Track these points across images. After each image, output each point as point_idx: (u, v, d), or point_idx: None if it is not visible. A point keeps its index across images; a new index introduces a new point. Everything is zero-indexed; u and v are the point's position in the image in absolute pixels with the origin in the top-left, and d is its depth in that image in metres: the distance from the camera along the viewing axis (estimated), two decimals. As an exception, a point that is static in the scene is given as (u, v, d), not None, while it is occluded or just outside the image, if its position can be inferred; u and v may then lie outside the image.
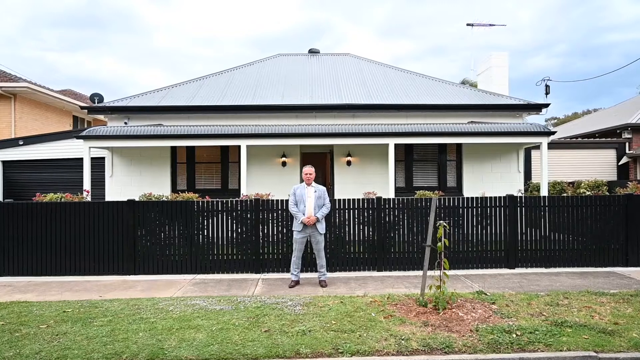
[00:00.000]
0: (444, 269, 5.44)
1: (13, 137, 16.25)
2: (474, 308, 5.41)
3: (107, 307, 5.77)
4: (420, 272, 7.83)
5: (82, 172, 11.14)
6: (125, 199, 8.21)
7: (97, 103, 16.38)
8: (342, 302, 5.85)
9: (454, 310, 5.31)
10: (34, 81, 19.70)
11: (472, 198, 8.32)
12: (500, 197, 8.29)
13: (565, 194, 9.55)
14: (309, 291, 6.69)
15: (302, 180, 7.26)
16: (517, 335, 4.63)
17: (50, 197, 8.48)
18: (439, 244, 5.47)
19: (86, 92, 26.19)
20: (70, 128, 21.58)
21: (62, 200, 8.45)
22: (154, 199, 8.88)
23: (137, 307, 5.70)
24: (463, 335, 4.64)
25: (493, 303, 5.70)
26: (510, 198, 8.24)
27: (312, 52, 17.66)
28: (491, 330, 4.75)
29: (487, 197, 8.30)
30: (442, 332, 4.74)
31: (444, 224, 5.46)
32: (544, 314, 5.35)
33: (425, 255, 5.66)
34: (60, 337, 4.72)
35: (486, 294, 6.14)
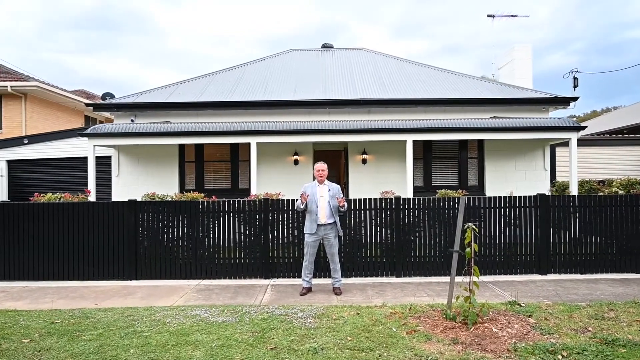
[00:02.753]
0: (474, 277, 4.81)
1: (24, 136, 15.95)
2: (509, 322, 4.76)
3: (100, 317, 5.25)
4: (443, 278, 7.19)
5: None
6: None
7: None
8: (358, 313, 5.25)
9: (486, 324, 4.67)
10: (46, 81, 19.51)
11: (499, 197, 7.64)
12: (530, 197, 7.60)
13: (600, 193, 8.80)
14: (322, 300, 6.11)
15: (314, 179, 6.68)
16: (563, 356, 3.97)
17: (48, 197, 8.03)
18: (468, 249, 4.84)
19: (100, 93, 25.98)
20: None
21: (61, 200, 7.99)
22: (157, 199, 8.38)
23: (132, 318, 5.17)
24: (499, 356, 4.00)
25: (529, 316, 5.04)
26: (542, 197, 7.54)
27: (326, 47, 17.07)
28: (532, 349, 4.10)
29: (515, 197, 7.62)
30: (475, 351, 4.11)
31: (473, 226, 4.82)
32: (590, 329, 4.68)
33: (452, 261, 5.03)
34: (42, 353, 4.21)
35: (520, 305, 5.48)
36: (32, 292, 6.78)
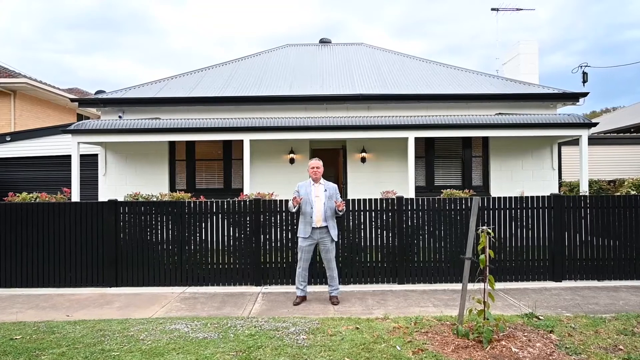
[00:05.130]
0: (489, 287, 4.24)
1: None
2: (529, 340, 4.18)
3: (67, 332, 4.66)
4: (450, 286, 6.63)
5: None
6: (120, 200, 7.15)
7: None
8: (357, 327, 4.67)
9: (503, 342, 4.10)
10: (38, 78, 18.90)
11: (509, 198, 7.08)
12: (543, 197, 7.03)
13: (617, 194, 8.24)
14: (317, 310, 5.53)
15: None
16: (596, 383, 3.41)
17: (23, 196, 7.45)
18: (482, 256, 4.27)
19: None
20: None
21: (37, 200, 7.41)
22: (141, 199, 7.80)
23: (102, 334, 4.58)
24: (522, 382, 3.44)
25: (551, 331, 4.47)
26: (556, 198, 6.97)
27: (323, 42, 16.50)
28: (559, 374, 3.54)
29: (527, 197, 7.05)
30: (493, 376, 3.54)
31: (489, 230, 4.25)
32: (621, 347, 4.11)
33: (464, 270, 4.45)
34: (-9, 378, 3.63)
35: (539, 318, 4.91)
36: (0, 301, 6.18)
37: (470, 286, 4.53)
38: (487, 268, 4.25)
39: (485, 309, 4.21)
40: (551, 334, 4.39)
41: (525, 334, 4.34)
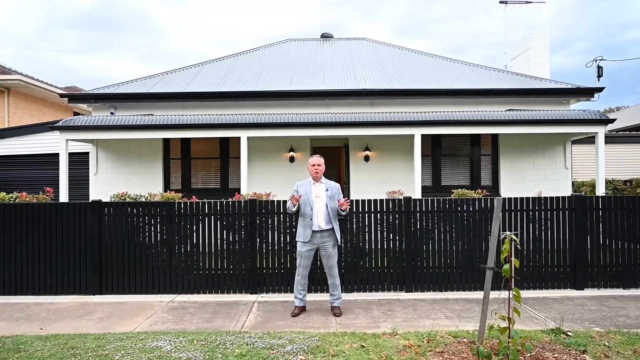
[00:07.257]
0: (515, 301, 3.69)
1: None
2: (562, 363, 3.63)
3: (34, 350, 4.13)
4: (462, 294, 6.07)
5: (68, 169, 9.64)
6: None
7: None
8: (362, 345, 4.13)
9: (531, 366, 3.55)
10: (35, 76, 18.42)
11: (525, 199, 6.52)
12: (563, 198, 6.48)
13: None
14: (318, 323, 4.99)
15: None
16: (648, 419, 2.86)
17: (1, 197, 6.92)
18: (506, 265, 3.72)
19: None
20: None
21: (17, 200, 6.89)
22: (129, 200, 7.27)
23: (73, 352, 4.04)
24: (560, 418, 2.89)
25: (584, 351, 3.92)
26: (578, 198, 6.42)
27: (325, 36, 15.95)
28: (602, 407, 2.99)
29: (545, 198, 6.50)
30: (524, 409, 3.00)
31: (513, 236, 3.70)
32: (667, 371, 3.57)
33: (485, 282, 3.89)
34: None
35: (567, 334, 4.36)
36: (-29, 311, 5.67)
37: (497, 294, 3.99)
38: (513, 279, 3.70)
39: (510, 326, 3.66)
40: (585, 355, 3.84)
41: (556, 355, 3.78)
